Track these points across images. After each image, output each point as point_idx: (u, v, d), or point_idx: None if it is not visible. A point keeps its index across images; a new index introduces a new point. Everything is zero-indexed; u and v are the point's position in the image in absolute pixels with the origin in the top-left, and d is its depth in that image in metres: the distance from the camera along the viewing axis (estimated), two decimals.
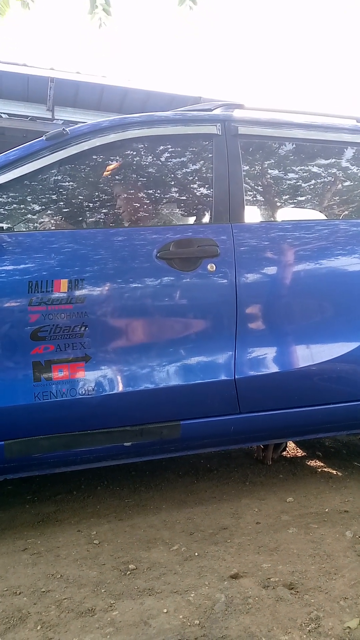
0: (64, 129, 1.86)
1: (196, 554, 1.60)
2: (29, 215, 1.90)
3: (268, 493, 2.06)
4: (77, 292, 1.69)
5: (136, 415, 1.77)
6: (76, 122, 5.12)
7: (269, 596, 1.36)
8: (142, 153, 2.11)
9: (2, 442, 1.62)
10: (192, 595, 1.37)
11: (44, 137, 1.83)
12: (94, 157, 1.99)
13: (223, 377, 1.81)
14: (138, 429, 1.76)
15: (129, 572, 1.50)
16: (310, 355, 1.90)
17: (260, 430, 1.96)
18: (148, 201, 2.16)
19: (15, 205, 1.87)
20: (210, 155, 2.04)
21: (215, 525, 1.80)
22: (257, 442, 2.30)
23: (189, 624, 1.25)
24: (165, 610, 1.30)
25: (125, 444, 1.77)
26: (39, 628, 1.25)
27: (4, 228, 1.76)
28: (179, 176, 2.16)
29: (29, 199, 1.90)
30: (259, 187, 2.30)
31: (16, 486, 2.22)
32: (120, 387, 1.72)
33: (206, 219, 2.14)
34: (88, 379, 1.69)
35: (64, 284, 1.68)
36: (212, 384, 1.81)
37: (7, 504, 2.04)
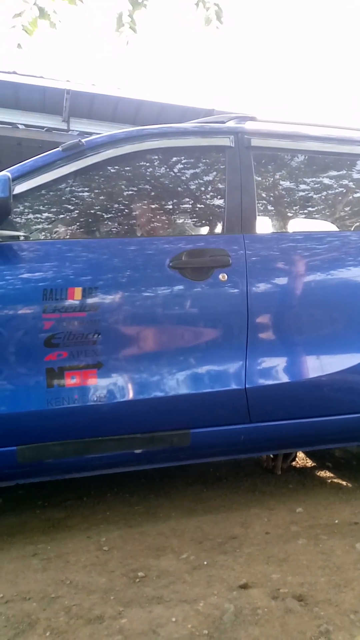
0: (79, 140, 1.90)
1: (205, 562, 1.60)
2: (45, 224, 1.94)
3: (277, 503, 2.05)
4: (91, 300, 1.71)
5: (147, 423, 1.78)
6: (91, 133, 5.20)
7: (278, 607, 1.35)
8: (157, 164, 2.14)
9: (15, 447, 1.64)
10: (200, 604, 1.37)
11: (60, 148, 1.87)
12: (109, 168, 2.02)
13: (234, 387, 1.82)
14: (148, 436, 1.77)
15: (138, 580, 1.50)
16: (320, 365, 1.90)
17: (270, 440, 1.96)
18: (161, 211, 2.18)
19: (31, 214, 1.90)
20: (223, 166, 2.07)
21: (225, 534, 1.80)
22: (267, 452, 2.29)
23: (197, 633, 1.25)
24: (173, 619, 1.30)
25: (136, 451, 1.78)
26: (47, 634, 1.26)
27: (21, 237, 1.79)
28: (192, 187, 2.19)
29: (45, 209, 1.93)
30: (271, 199, 2.32)
31: (27, 491, 2.23)
32: (131, 395, 1.74)
33: (218, 229, 2.16)
34: (100, 385, 1.71)
35: (77, 292, 1.70)
36: (223, 393, 1.82)
37: (18, 509, 2.06)
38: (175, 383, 1.78)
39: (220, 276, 1.84)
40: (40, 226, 1.93)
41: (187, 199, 2.23)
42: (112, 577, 1.52)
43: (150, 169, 2.15)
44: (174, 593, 1.43)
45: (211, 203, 2.22)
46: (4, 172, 1.70)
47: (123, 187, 2.11)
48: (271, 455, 2.44)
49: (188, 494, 2.19)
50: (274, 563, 1.58)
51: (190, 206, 2.24)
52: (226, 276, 1.84)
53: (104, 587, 1.47)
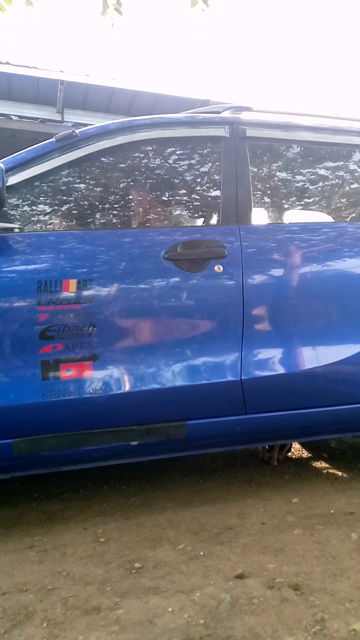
0: (73, 131, 1.88)
1: (201, 553, 1.60)
2: (39, 216, 1.92)
3: (273, 494, 2.06)
4: (86, 292, 1.70)
5: (143, 415, 1.78)
6: (85, 124, 5.15)
7: (274, 597, 1.36)
8: (151, 155, 2.13)
9: (11, 440, 1.63)
10: (197, 594, 1.37)
11: (54, 139, 1.85)
12: (103, 159, 2.01)
13: (229, 378, 1.82)
14: (145, 428, 1.77)
15: (134, 571, 1.51)
16: (316, 356, 1.90)
17: (266, 431, 1.97)
18: (156, 203, 2.17)
19: (25, 206, 1.89)
20: (218, 157, 2.05)
21: (221, 525, 1.80)
22: (263, 443, 2.30)
23: (194, 623, 1.26)
24: (170, 609, 1.31)
25: (132, 443, 1.78)
26: (44, 625, 1.26)
27: (15, 229, 1.78)
28: (187, 178, 2.17)
29: (39, 200, 1.91)
30: (267, 189, 2.31)
31: (23, 484, 2.23)
32: (127, 387, 1.73)
33: (214, 220, 2.15)
34: (95, 378, 1.70)
35: (72, 284, 1.70)
36: (219, 385, 1.82)
37: (15, 502, 2.06)
38: (171, 375, 1.78)
39: (216, 268, 1.84)
40: (34, 218, 1.91)
41: (182, 190, 2.21)
42: (109, 568, 1.53)
43: (145, 160, 2.14)
44: (170, 583, 1.43)
45: (206, 194, 2.21)
46: None
47: (117, 178, 2.10)
48: (267, 447, 2.44)
49: (184, 485, 2.20)
50: (269, 553, 1.59)
51: (185, 197, 2.23)
52: (222, 267, 1.84)
53: (101, 578, 1.47)
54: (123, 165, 2.09)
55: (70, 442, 1.71)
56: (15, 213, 1.84)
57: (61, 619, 1.28)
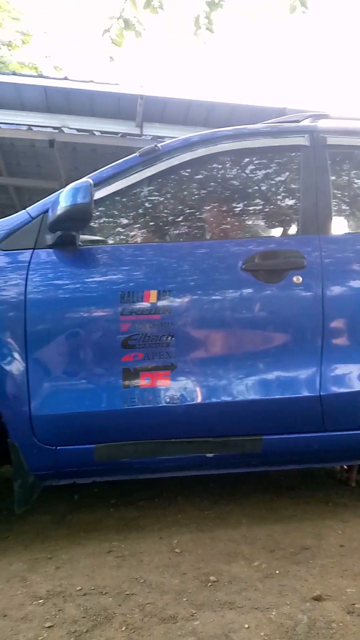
0: (155, 145, 1.93)
1: (277, 572, 1.57)
2: (122, 229, 1.98)
3: (352, 516, 1.98)
4: (165, 303, 1.74)
5: (219, 427, 1.78)
6: (163, 137, 5.27)
7: (353, 623, 1.30)
8: (229, 166, 2.14)
9: (93, 446, 1.69)
10: (273, 613, 1.35)
11: (137, 154, 1.91)
12: (183, 171, 2.04)
13: (308, 393, 1.78)
14: (221, 440, 1.77)
15: (210, 584, 1.50)
16: None
17: (346, 450, 1.90)
18: (234, 214, 2.18)
19: (109, 219, 1.95)
20: (297, 166, 2.03)
21: (297, 544, 1.76)
22: (342, 462, 2.22)
23: None
24: (246, 626, 1.29)
25: (208, 455, 1.78)
26: (123, 629, 1.29)
27: (99, 241, 1.84)
28: (266, 188, 2.16)
29: (122, 213, 1.98)
30: (347, 198, 2.24)
31: (101, 490, 2.30)
32: (203, 398, 1.74)
33: (292, 230, 2.12)
34: (173, 387, 1.72)
35: (153, 294, 1.73)
36: (296, 400, 1.78)
37: (93, 507, 2.12)
38: (247, 388, 1.77)
39: (295, 278, 1.81)
40: (117, 230, 1.97)
41: (260, 201, 2.20)
42: (185, 579, 1.53)
43: (223, 171, 2.15)
44: (246, 600, 1.41)
45: (284, 204, 2.18)
46: (86, 179, 1.76)
47: (197, 190, 2.12)
48: (345, 466, 2.35)
49: (259, 501, 2.16)
50: (348, 577, 1.53)
51: (262, 207, 2.21)
52: (300, 278, 1.81)
53: (177, 588, 1.48)
54: (202, 177, 2.11)
55: (148, 451, 1.74)
56: (100, 226, 1.92)
57: (139, 625, 1.30)
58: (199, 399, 1.74)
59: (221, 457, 1.81)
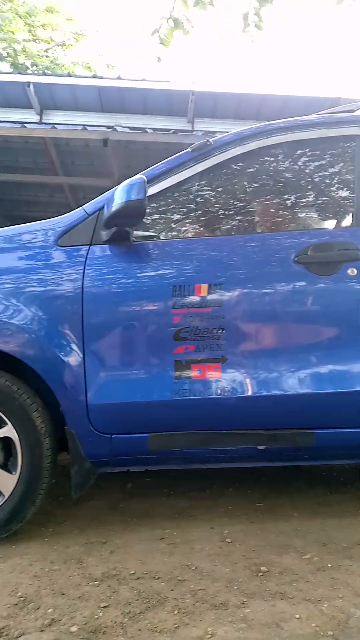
0: (207, 140, 1.94)
1: (329, 565, 1.56)
2: (173, 224, 2.01)
3: None
4: (216, 296, 1.75)
5: (270, 420, 1.79)
6: (215, 132, 5.26)
7: None
8: (282, 158, 2.12)
9: (147, 435, 1.73)
10: (325, 605, 1.34)
11: (189, 149, 1.93)
12: (234, 165, 2.04)
13: None
14: (271, 433, 1.77)
15: (260, 574, 1.51)
16: None
17: None
18: (287, 206, 2.16)
19: (161, 215, 1.99)
20: (352, 157, 1.99)
21: (350, 540, 1.74)
22: None
23: (322, 633, 1.23)
24: (297, 616, 1.30)
25: (259, 447, 1.79)
26: (175, 612, 1.32)
27: (151, 236, 1.88)
28: (318, 180, 2.13)
29: (174, 208, 2.01)
30: None
31: (154, 479, 2.35)
32: (254, 390, 1.75)
33: (346, 222, 2.08)
34: (223, 379, 1.74)
35: (204, 288, 1.76)
36: (350, 394, 1.76)
37: (146, 496, 2.18)
38: (300, 381, 1.76)
39: (349, 271, 1.78)
40: (170, 225, 2.01)
41: (313, 192, 2.17)
42: (235, 568, 1.55)
43: (275, 164, 2.13)
44: (297, 591, 1.42)
45: (338, 195, 2.14)
46: (139, 175, 1.80)
47: (248, 183, 2.12)
48: None
49: (311, 496, 2.15)
50: None
51: (315, 199, 2.18)
52: (355, 271, 1.78)
53: (228, 576, 1.50)
54: (254, 170, 2.10)
55: (200, 441, 1.77)
56: (153, 221, 1.95)
57: (191, 609, 1.33)
58: (250, 392, 1.75)
59: (272, 450, 1.81)
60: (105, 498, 2.16)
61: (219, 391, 1.74)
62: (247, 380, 1.76)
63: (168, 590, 1.43)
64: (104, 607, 1.36)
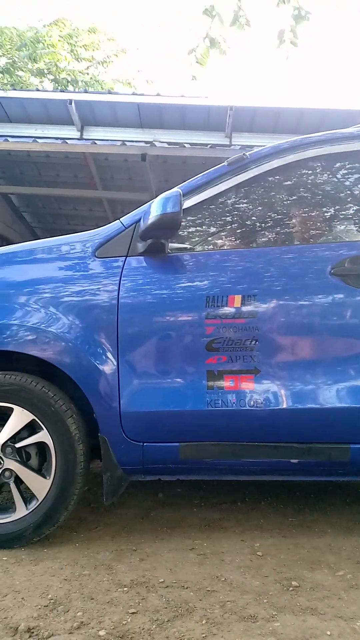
0: (244, 154, 1.96)
1: None
2: (208, 236, 2.03)
3: None
4: (249, 308, 1.76)
5: (304, 433, 1.77)
6: (252, 146, 5.28)
7: None
8: (319, 171, 2.12)
9: (178, 444, 1.74)
10: (358, 623, 1.31)
11: (225, 163, 1.96)
12: (270, 178, 2.05)
13: None
14: (305, 447, 1.75)
15: (291, 589, 1.49)
16: None
17: None
18: (323, 218, 2.15)
19: (196, 227, 2.01)
20: None
21: None
22: None
23: None
24: (328, 633, 1.27)
25: (292, 460, 1.77)
26: (204, 622, 1.32)
27: (186, 248, 1.91)
28: (358, 192, 2.12)
29: (209, 221, 2.03)
30: None
31: (185, 490, 2.35)
32: (288, 403, 1.73)
33: None
34: (257, 391, 1.74)
35: (237, 299, 1.76)
36: None
37: (177, 506, 2.18)
38: (335, 395, 1.74)
39: None
40: (205, 237, 2.03)
41: (351, 205, 2.16)
42: (266, 581, 1.54)
43: (313, 177, 2.13)
44: (328, 607, 1.39)
45: None
46: (175, 189, 1.84)
47: (285, 196, 2.13)
48: None
49: (346, 512, 2.10)
50: None
51: (353, 212, 2.17)
52: None
53: (258, 589, 1.49)
54: (291, 182, 2.11)
55: (231, 452, 1.76)
56: (188, 234, 1.98)
57: (219, 620, 1.33)
58: (284, 404, 1.74)
59: (306, 464, 1.78)
60: (137, 506, 2.17)
61: (251, 403, 1.73)
62: (281, 392, 1.75)
63: (197, 600, 1.43)
64: (132, 613, 1.37)
